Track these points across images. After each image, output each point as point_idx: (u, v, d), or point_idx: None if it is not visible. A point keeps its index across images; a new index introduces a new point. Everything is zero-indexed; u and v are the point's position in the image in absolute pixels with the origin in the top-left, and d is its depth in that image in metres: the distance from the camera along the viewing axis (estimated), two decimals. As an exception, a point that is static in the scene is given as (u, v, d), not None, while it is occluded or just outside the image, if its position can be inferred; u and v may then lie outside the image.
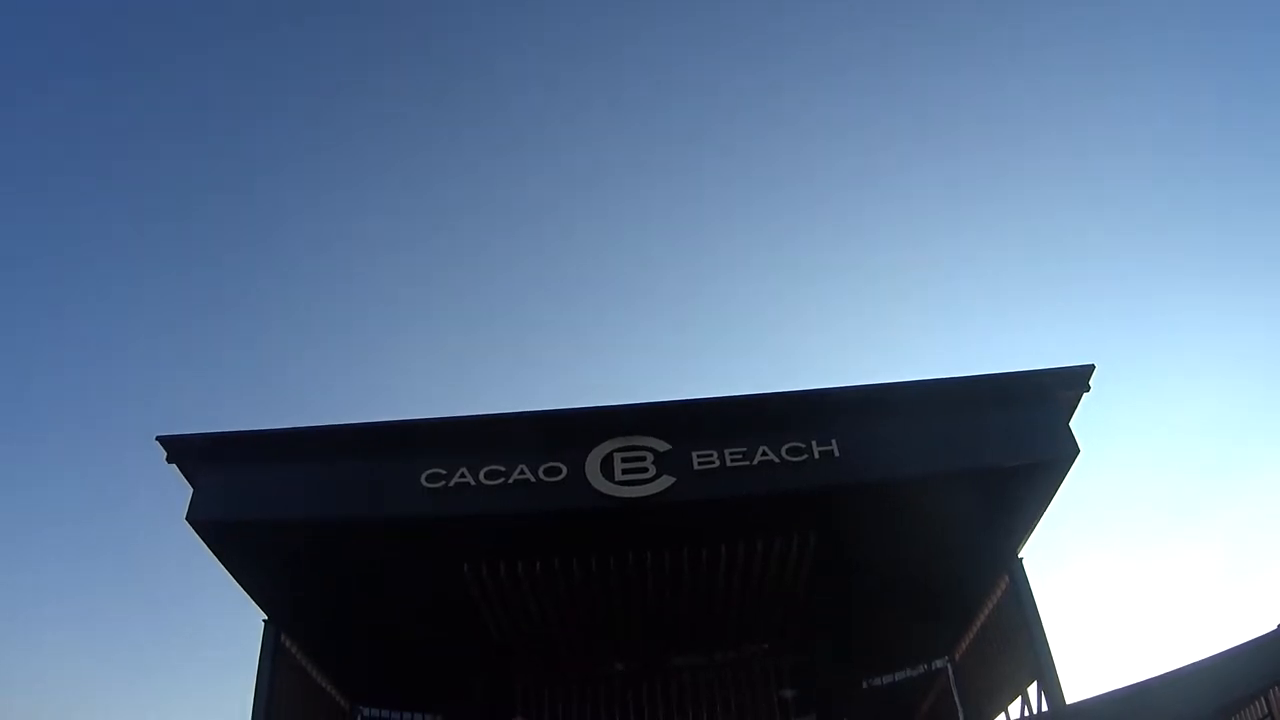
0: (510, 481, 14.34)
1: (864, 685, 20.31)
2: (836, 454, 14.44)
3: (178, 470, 14.81)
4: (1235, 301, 45.69)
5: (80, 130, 43.70)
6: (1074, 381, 15.04)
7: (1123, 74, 43.88)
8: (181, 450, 14.69)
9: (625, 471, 14.37)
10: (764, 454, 14.36)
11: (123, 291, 47.58)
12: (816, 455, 14.43)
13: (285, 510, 14.81)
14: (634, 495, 14.26)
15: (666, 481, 14.29)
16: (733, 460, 14.37)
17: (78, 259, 46.56)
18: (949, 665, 19.98)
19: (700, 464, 14.38)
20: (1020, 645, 16.21)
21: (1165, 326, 48.76)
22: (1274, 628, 23.39)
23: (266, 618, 16.15)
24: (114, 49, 43.45)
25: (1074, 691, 16.04)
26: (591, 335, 54.51)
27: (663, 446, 14.53)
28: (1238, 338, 47.58)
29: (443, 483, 14.37)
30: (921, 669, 20.32)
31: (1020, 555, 16.45)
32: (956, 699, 19.66)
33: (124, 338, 48.78)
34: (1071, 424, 15.10)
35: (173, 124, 44.82)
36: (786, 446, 14.41)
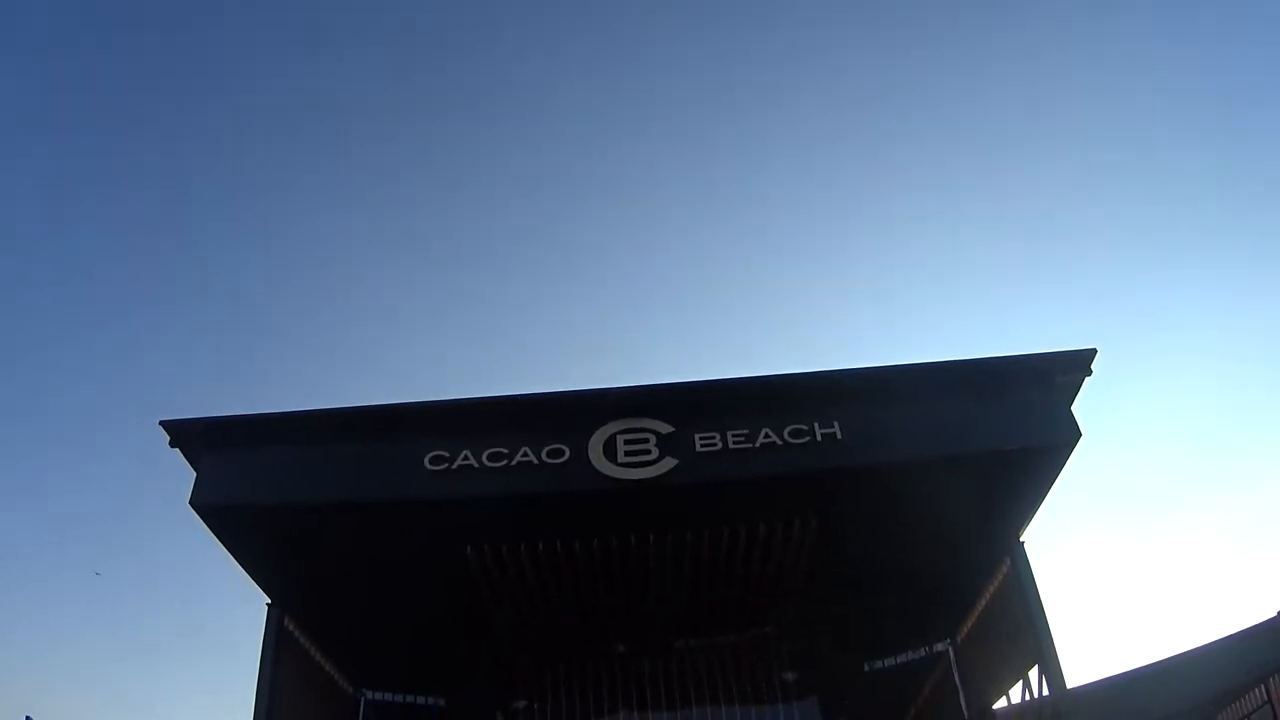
0: (513, 463, 14.33)
1: (865, 668, 20.35)
2: (839, 436, 14.42)
3: (181, 455, 14.87)
4: (1238, 280, 45.79)
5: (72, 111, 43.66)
6: (1076, 365, 15.02)
7: (1122, 54, 43.87)
8: (184, 434, 14.68)
9: (628, 453, 14.36)
10: (766, 436, 14.35)
11: (120, 278, 47.64)
12: (819, 438, 14.42)
13: (289, 493, 14.81)
14: (637, 477, 14.24)
15: (669, 463, 14.28)
16: (735, 442, 14.36)
17: (76, 249, 46.58)
18: (950, 648, 20.02)
19: (703, 446, 14.38)
20: (1021, 629, 16.22)
21: (1167, 308, 48.86)
22: (1273, 614, 23.55)
23: (270, 601, 16.20)
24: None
25: (1075, 676, 16.15)
26: (594, 317, 54.62)
27: (665, 428, 14.51)
28: (1239, 320, 47.70)
29: (446, 465, 14.37)
30: (923, 652, 20.36)
31: (1021, 539, 16.45)
32: (958, 682, 19.70)
33: (124, 324, 48.81)
34: (1073, 408, 15.10)
35: (162, 107, 44.82)
36: (789, 429, 14.40)
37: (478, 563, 16.24)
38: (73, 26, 41.23)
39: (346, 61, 46.72)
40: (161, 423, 14.65)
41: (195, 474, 14.73)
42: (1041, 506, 16.07)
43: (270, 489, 14.79)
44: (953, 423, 14.84)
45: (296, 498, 14.78)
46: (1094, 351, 15.01)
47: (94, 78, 43.97)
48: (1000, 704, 18.55)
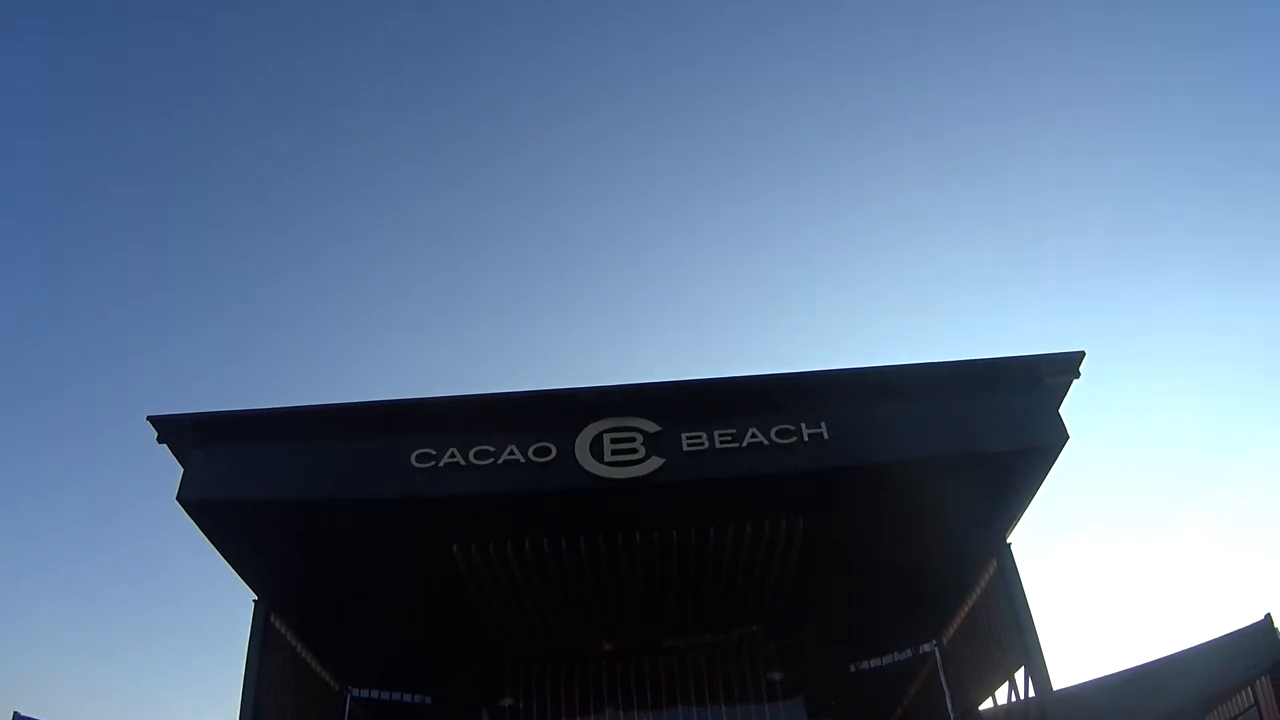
0: (500, 462, 14.33)
1: (852, 668, 20.41)
2: (826, 437, 14.44)
3: (168, 450, 14.82)
4: (1225, 282, 46.02)
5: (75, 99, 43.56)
6: (1064, 367, 15.05)
7: (1116, 55, 44.02)
8: (172, 430, 14.65)
9: (615, 452, 14.37)
10: (753, 436, 14.36)
11: (109, 274, 47.57)
12: (806, 438, 14.43)
13: (276, 490, 14.80)
14: (623, 476, 14.25)
15: (656, 463, 14.29)
16: (722, 442, 14.36)
17: (67, 244, 46.47)
18: (937, 649, 20.04)
19: (689, 445, 14.38)
20: (1008, 630, 16.26)
21: (1154, 310, 49.02)
22: (1260, 618, 23.58)
23: (256, 598, 16.17)
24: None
25: (1061, 678, 16.16)
26: (582, 315, 54.62)
27: (652, 428, 14.51)
28: (1226, 322, 47.90)
29: (432, 463, 14.36)
30: (909, 653, 20.39)
31: (1009, 540, 16.49)
32: (944, 683, 19.72)
33: (112, 319, 48.74)
34: (1061, 410, 15.11)
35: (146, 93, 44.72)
36: (776, 429, 14.41)
37: (464, 561, 16.23)
38: (63, 21, 41.04)
39: (339, 56, 46.63)
40: (149, 418, 14.62)
41: (183, 470, 14.69)
42: (1029, 508, 16.11)
43: (257, 485, 14.77)
44: (941, 424, 14.86)
45: (283, 494, 14.76)
46: (1082, 354, 15.03)
47: (86, 76, 43.85)
48: (986, 705, 18.56)
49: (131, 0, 42.83)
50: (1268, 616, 23.28)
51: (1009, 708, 17.35)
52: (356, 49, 47.13)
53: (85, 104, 43.87)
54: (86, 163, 45.53)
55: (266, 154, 48.93)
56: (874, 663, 20.46)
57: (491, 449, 14.40)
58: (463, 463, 14.35)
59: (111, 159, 45.95)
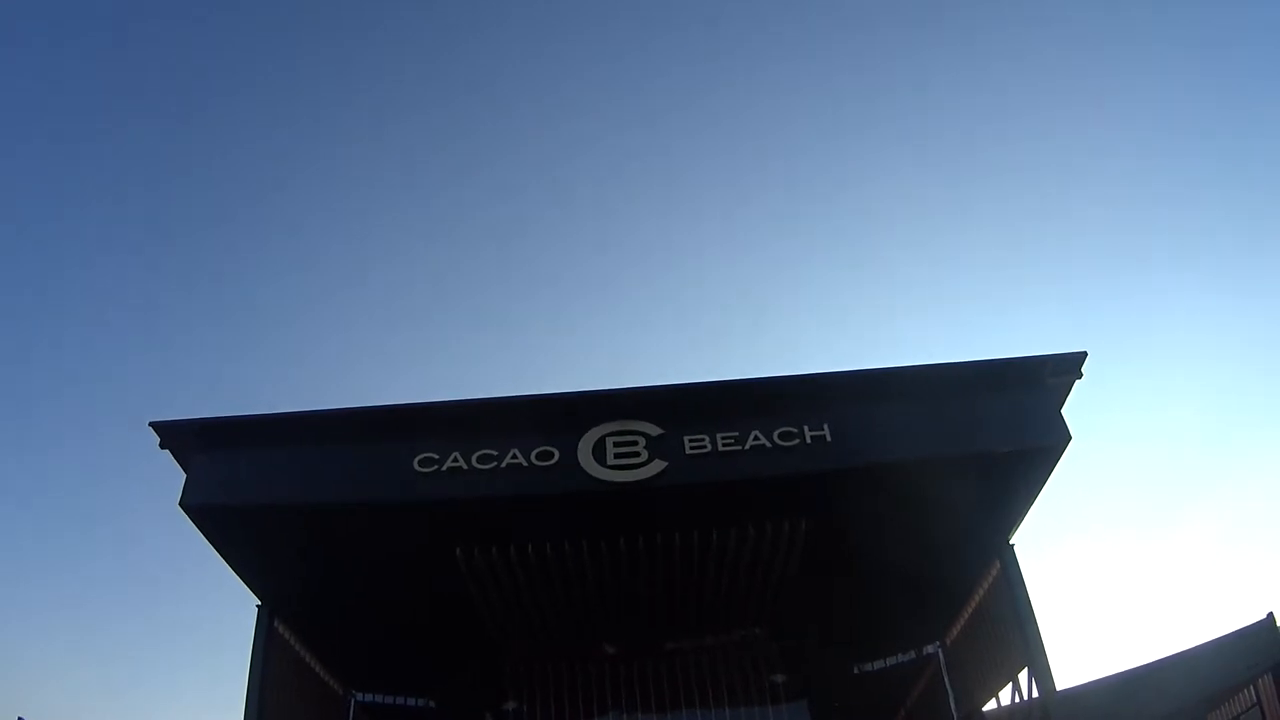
0: (503, 466, 14.35)
1: (855, 670, 20.41)
2: (828, 439, 14.45)
3: (171, 456, 14.82)
4: (1225, 283, 46.01)
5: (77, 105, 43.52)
6: (1066, 368, 15.05)
7: (1116, 55, 44.02)
8: (175, 436, 14.68)
9: (617, 456, 14.38)
10: (756, 439, 14.37)
11: (108, 278, 47.51)
12: (808, 440, 14.43)
13: (278, 494, 14.83)
14: (626, 480, 14.27)
15: (658, 466, 14.31)
16: (724, 445, 14.38)
17: (67, 246, 46.43)
18: (940, 651, 20.05)
19: (692, 448, 14.40)
20: (1011, 631, 16.26)
21: (1156, 311, 49.01)
22: (1263, 616, 23.57)
23: (260, 603, 16.19)
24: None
25: (1064, 678, 16.14)
26: (583, 317, 54.58)
27: (655, 431, 14.53)
28: (1225, 322, 47.88)
29: (435, 467, 14.39)
30: (912, 655, 20.39)
31: (1011, 541, 16.49)
32: (947, 685, 19.73)
33: (112, 324, 48.68)
34: (1063, 411, 15.11)
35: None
36: (778, 431, 14.43)
37: (467, 565, 16.22)
38: (63, 21, 41.01)
39: (339, 56, 46.58)
40: (152, 424, 14.63)
41: (185, 475, 14.70)
42: (1032, 509, 16.10)
43: (260, 490, 14.80)
44: (943, 425, 14.86)
45: (286, 499, 14.78)
46: (1084, 354, 15.03)
47: (86, 76, 43.81)
48: (990, 706, 18.56)
49: (131, 0, 42.81)
50: (1269, 615, 23.25)
51: (1012, 708, 17.35)
52: (356, 49, 47.15)
53: (85, 104, 43.85)
54: (86, 163, 45.53)
55: (266, 154, 48.93)
56: (877, 664, 20.47)
57: (494, 453, 14.41)
58: (465, 467, 14.37)
59: (111, 159, 45.95)
